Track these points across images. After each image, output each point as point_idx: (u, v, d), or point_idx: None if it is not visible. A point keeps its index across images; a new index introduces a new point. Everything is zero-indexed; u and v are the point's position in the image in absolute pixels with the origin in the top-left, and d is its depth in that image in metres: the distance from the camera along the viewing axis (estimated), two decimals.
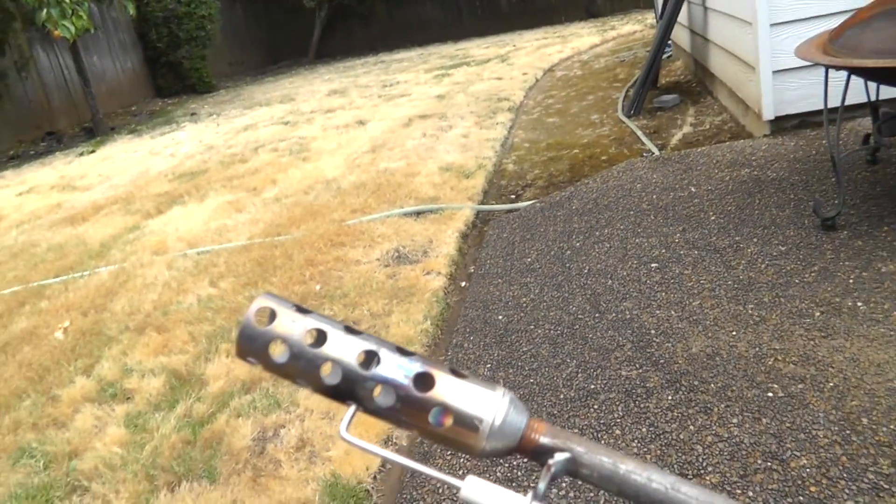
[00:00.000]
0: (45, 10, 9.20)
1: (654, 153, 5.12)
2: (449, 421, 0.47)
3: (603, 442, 2.28)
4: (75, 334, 3.92)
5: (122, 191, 7.25)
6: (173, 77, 15.62)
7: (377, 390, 0.48)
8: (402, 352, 0.49)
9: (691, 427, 2.28)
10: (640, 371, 2.58)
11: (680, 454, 2.17)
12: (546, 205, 4.49)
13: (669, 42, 8.14)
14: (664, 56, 7.67)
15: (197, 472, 2.53)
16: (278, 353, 0.48)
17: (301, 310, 0.50)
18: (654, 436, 2.27)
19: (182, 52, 15.21)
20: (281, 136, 8.36)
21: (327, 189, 5.66)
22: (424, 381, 0.47)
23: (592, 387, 2.59)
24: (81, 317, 4.15)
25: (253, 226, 5.15)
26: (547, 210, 4.39)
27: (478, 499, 0.45)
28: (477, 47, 14.57)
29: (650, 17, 13.30)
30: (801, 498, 1.92)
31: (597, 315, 3.03)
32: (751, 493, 1.98)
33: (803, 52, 3.29)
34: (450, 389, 0.47)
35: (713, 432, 2.22)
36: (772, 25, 4.43)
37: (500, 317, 3.25)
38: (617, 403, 2.47)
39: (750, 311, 2.80)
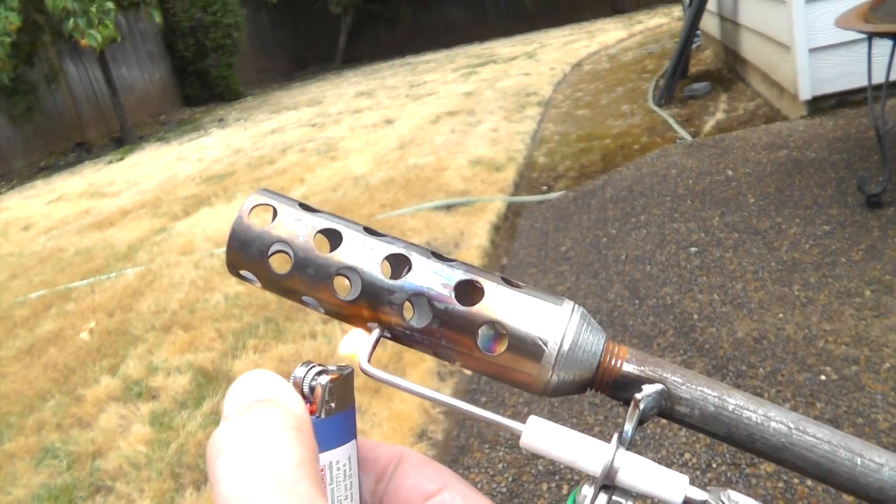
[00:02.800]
0: (72, 20, 9.23)
1: (687, 140, 4.97)
2: (502, 346, 0.36)
3: (648, 432, 2.15)
4: (101, 335, 3.87)
5: (150, 195, 7.24)
6: (201, 86, 15.66)
7: (408, 306, 0.36)
8: (439, 257, 0.37)
9: None
10: (685, 357, 2.46)
11: None
12: (579, 194, 4.37)
13: (698, 31, 7.97)
14: (693, 45, 7.51)
15: None
16: (280, 263, 0.37)
17: (308, 208, 0.39)
18: None
19: (209, 60, 15.24)
20: (308, 138, 8.30)
21: (356, 186, 5.58)
22: (469, 291, 0.36)
23: None
24: (107, 317, 4.10)
25: None
26: (580, 199, 4.26)
27: (544, 446, 0.34)
28: (503, 46, 14.44)
29: (676, 11, 13.08)
30: None
31: (636, 301, 2.90)
32: (809, 483, 1.85)
33: (844, 21, 3.15)
34: (503, 302, 0.36)
35: None
36: (806, 2, 4.29)
37: (522, 283, 3.13)
38: None
39: (796, 293, 2.67)
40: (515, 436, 0.35)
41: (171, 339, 3.56)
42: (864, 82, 3.22)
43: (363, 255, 0.37)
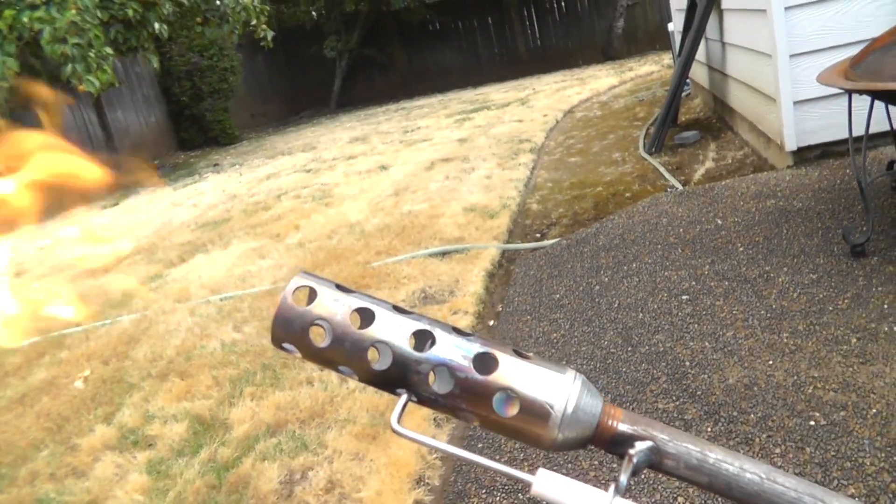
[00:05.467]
0: (70, 65, 9.33)
1: (677, 188, 5.06)
2: (514, 409, 0.41)
3: (642, 477, 2.19)
4: (95, 383, 3.88)
5: (145, 241, 7.26)
6: (196, 130, 15.78)
7: (432, 375, 0.42)
8: (459, 332, 0.43)
9: None
10: (678, 403, 2.51)
11: None
12: (572, 241, 4.44)
13: (688, 80, 8.13)
14: (683, 94, 7.66)
15: None
16: (319, 337, 0.43)
17: (343, 289, 0.45)
18: None
19: (205, 104, 15.38)
20: (303, 184, 8.38)
21: (351, 232, 5.65)
22: (486, 362, 0.42)
23: None
24: (102, 365, 4.12)
25: (277, 270, 5.12)
26: (573, 247, 4.34)
27: (552, 494, 0.39)
28: (496, 92, 14.65)
29: (667, 58, 13.34)
30: None
31: (629, 349, 2.96)
32: None
33: (825, 78, 3.26)
34: (515, 372, 0.42)
35: None
36: (791, 56, 4.41)
37: (531, 354, 3.17)
38: None
39: (785, 340, 2.73)
40: (526, 484, 0.40)
41: (167, 387, 3.58)
42: (846, 134, 3.32)
43: (393, 331, 0.42)
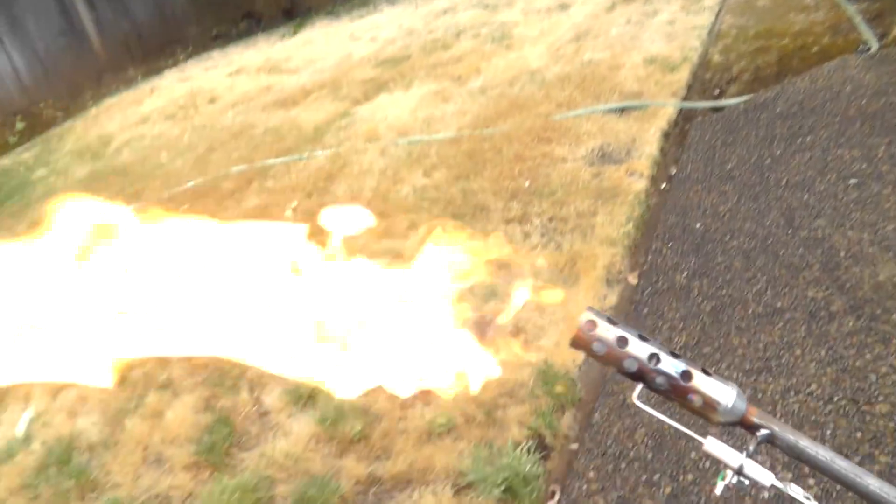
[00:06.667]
0: None
1: (871, 47, 4.81)
2: (698, 400, 0.78)
3: (783, 360, 2.50)
4: (303, 214, 4.43)
5: (328, 75, 7.67)
6: None
7: (658, 377, 0.79)
8: (673, 354, 0.80)
9: (868, 355, 2.39)
10: (826, 293, 2.71)
11: (854, 380, 2.32)
12: (749, 106, 4.50)
13: None
14: None
15: None
16: (597, 347, 0.80)
17: (612, 321, 0.82)
18: (831, 359, 2.44)
19: None
20: (482, 21, 8.38)
21: (532, 80, 5.85)
22: (686, 375, 0.78)
23: (779, 304, 2.76)
24: (306, 198, 4.67)
25: (461, 117, 5.45)
26: (750, 111, 4.40)
27: (715, 451, 0.77)
28: None
29: None
30: None
31: (790, 231, 3.15)
32: None
33: None
34: (702, 382, 0.78)
35: (888, 363, 2.33)
36: None
37: (698, 225, 3.43)
38: (800, 324, 2.63)
39: None
40: (698, 442, 0.78)
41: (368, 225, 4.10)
42: None
43: (639, 352, 0.79)
